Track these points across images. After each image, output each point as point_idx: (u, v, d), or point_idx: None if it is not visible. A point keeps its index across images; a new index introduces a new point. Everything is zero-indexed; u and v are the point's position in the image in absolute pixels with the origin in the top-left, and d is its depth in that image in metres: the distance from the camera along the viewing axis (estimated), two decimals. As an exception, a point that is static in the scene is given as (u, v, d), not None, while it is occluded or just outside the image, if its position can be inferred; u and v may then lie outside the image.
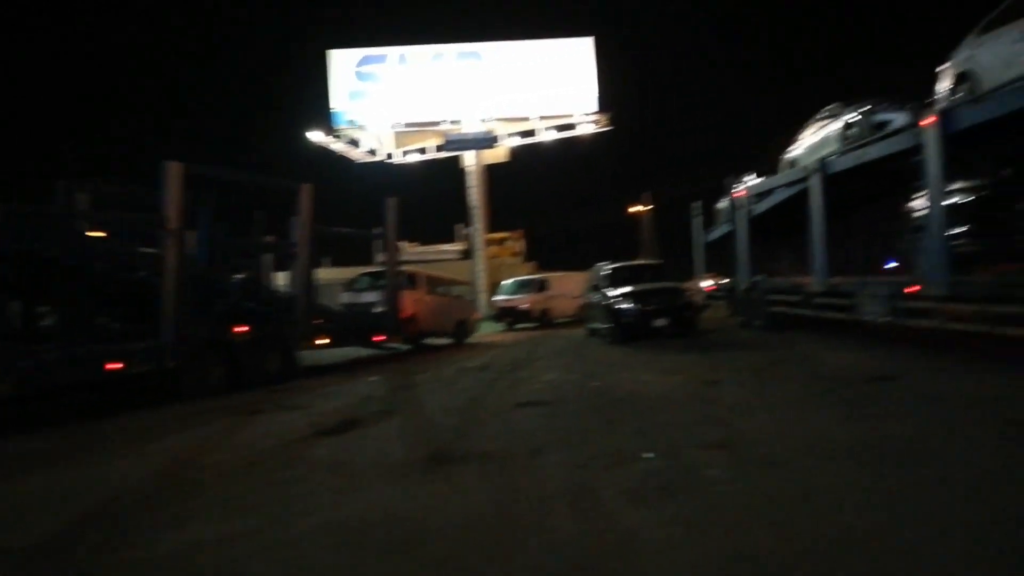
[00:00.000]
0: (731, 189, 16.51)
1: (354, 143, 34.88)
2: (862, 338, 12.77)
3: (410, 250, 36.97)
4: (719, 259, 19.01)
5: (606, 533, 4.05)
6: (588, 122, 34.08)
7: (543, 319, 23.86)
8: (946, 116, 8.87)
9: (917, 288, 9.73)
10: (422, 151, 34.84)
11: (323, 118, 34.07)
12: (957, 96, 9.27)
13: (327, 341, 13.67)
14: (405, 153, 35.01)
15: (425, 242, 39.39)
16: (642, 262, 22.66)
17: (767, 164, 16.54)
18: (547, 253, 44.56)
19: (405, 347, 17.76)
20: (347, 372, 13.90)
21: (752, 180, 16.45)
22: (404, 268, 17.84)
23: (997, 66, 8.51)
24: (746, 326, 16.40)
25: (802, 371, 9.71)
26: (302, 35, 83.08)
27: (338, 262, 32.59)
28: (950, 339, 10.42)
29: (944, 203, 8.95)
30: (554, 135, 34.60)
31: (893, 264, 11.91)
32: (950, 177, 9.07)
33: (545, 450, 6.14)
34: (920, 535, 3.65)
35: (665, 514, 4.27)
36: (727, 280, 17.74)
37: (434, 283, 18.78)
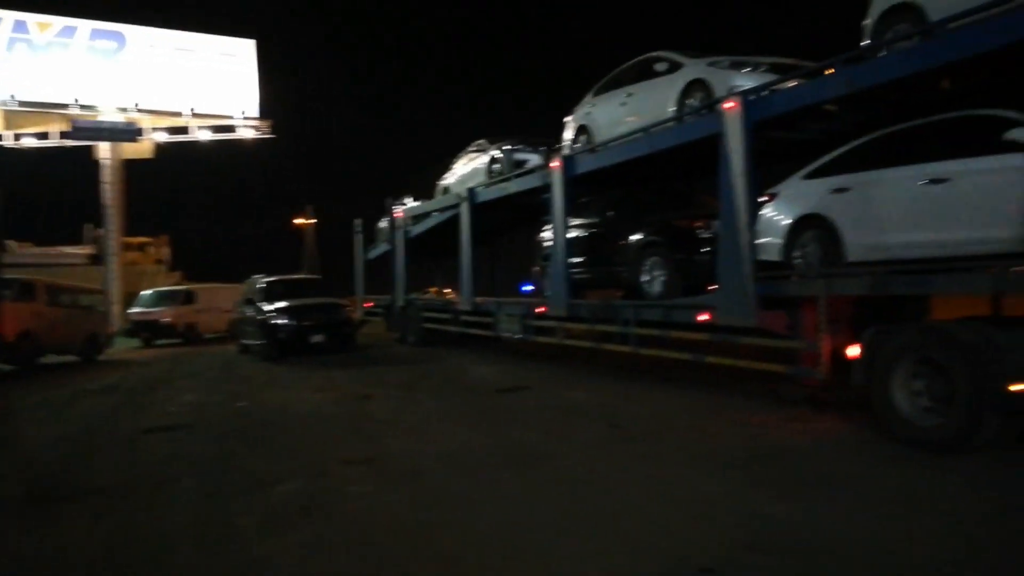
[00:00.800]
0: (391, 210, 17.02)
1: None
2: (502, 353, 14.11)
3: (21, 251, 30.92)
4: (380, 277, 19.43)
5: (235, 563, 3.80)
6: (248, 127, 32.24)
7: (189, 334, 21.79)
8: (568, 161, 10.33)
9: (544, 309, 11.09)
10: (43, 136, 29.47)
11: None
12: (577, 145, 10.86)
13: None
14: (18, 136, 29.24)
15: (43, 243, 33.30)
16: (300, 276, 22.12)
17: (425, 188, 17.45)
18: (197, 263, 40.85)
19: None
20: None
21: (411, 203, 17.19)
22: (18, 275, 14.84)
23: (607, 124, 10.18)
24: (402, 342, 16.99)
25: (448, 384, 10.35)
26: None
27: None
28: (570, 353, 12.08)
29: (566, 236, 10.37)
30: (209, 136, 31.98)
31: (530, 287, 13.36)
32: (571, 214, 10.54)
33: (174, 480, 5.56)
34: (544, 535, 4.11)
35: (302, 537, 4.16)
36: (385, 297, 18.20)
37: (56, 292, 15.86)
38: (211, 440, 7.12)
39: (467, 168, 14.83)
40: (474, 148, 14.79)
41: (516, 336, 12.28)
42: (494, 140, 13.96)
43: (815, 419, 6.92)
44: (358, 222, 20.02)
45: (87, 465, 6.27)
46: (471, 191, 13.33)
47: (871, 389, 5.97)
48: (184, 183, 58.66)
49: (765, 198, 7.43)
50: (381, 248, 18.73)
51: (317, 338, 15.10)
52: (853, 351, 6.29)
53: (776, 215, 7.28)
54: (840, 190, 6.57)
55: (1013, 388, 5.00)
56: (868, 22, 6.77)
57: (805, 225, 6.93)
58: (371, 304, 19.86)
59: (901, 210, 6.05)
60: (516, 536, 4.05)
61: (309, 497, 4.94)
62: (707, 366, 8.48)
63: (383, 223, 18.45)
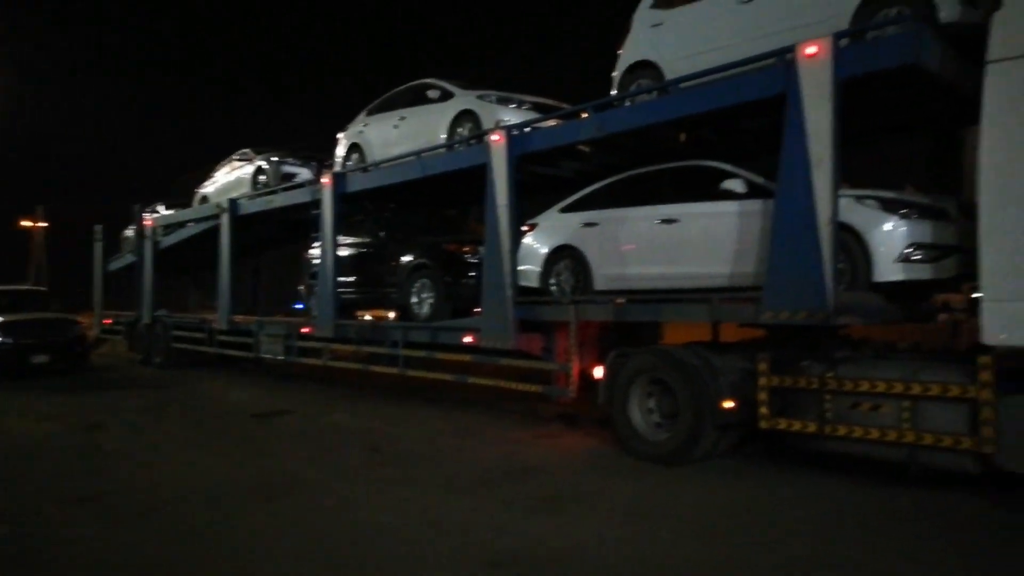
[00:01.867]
0: (140, 217, 15.38)
1: None
2: (262, 375, 13.31)
3: None
4: (122, 291, 17.39)
5: None
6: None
7: None
8: (339, 178, 10.12)
9: (310, 329, 10.66)
10: None
11: None
12: (349, 163, 10.68)
13: None
14: None
15: None
16: (19, 288, 19.03)
17: (181, 195, 16.01)
18: None
19: None
20: None
21: (163, 211, 15.70)
22: None
23: (380, 144, 10.16)
24: (147, 363, 15.34)
25: (196, 410, 9.52)
26: None
27: None
28: (337, 376, 11.72)
29: (335, 254, 10.11)
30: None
31: (300, 306, 12.75)
32: (342, 232, 10.31)
33: None
34: (286, 566, 3.88)
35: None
36: (129, 314, 16.31)
37: None
38: None
39: (230, 177, 13.88)
40: (239, 157, 13.90)
41: (279, 358, 11.67)
42: (260, 150, 13.24)
43: (566, 436, 7.39)
44: (98, 228, 17.81)
45: None
46: (233, 202, 12.49)
47: (612, 407, 6.52)
48: None
49: (527, 228, 7.87)
50: (126, 259, 16.82)
51: (41, 358, 13.12)
52: (598, 372, 6.83)
53: (536, 244, 7.74)
54: (590, 224, 7.17)
55: (725, 404, 5.75)
56: (616, 74, 7.52)
57: (560, 255, 7.45)
58: (111, 321, 17.72)
59: (639, 245, 6.75)
60: (255, 570, 3.80)
61: (15, 545, 4.23)
62: (470, 387, 8.70)
63: (129, 231, 16.61)
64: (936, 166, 6.76)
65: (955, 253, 5.33)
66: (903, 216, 5.32)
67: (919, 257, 5.29)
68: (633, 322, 7.04)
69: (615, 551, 4.05)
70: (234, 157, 14.10)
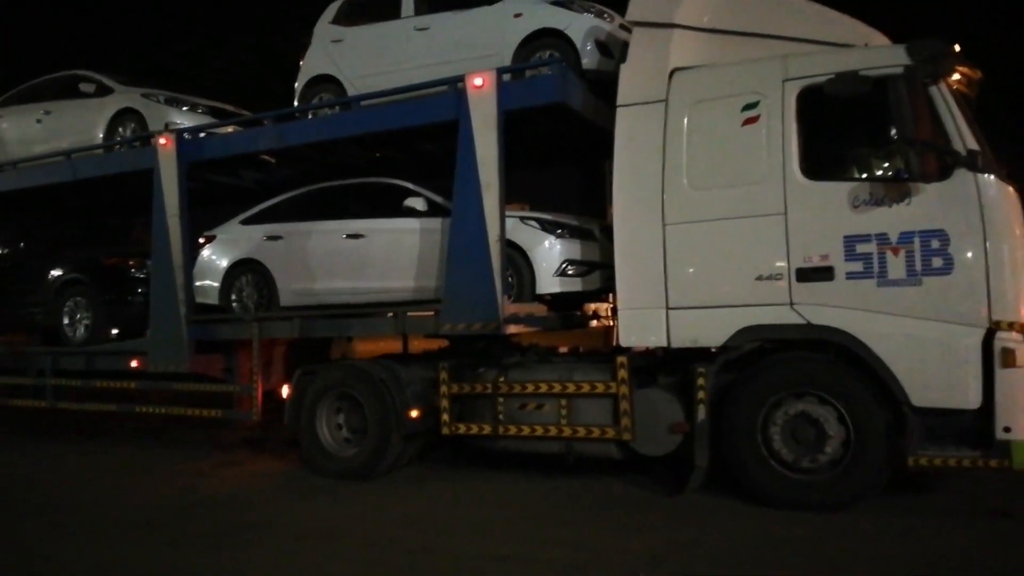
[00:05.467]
0: None
1: None
2: None
3: None
4: None
5: None
6: None
7: None
8: (-40, 178, 8.37)
9: (-81, 358, 8.63)
10: None
11: None
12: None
13: None
14: None
15: None
16: None
17: None
18: None
19: None
20: None
21: None
22: None
23: (18, 140, 8.66)
24: None
25: None
26: None
27: None
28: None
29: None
30: None
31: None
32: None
33: None
34: None
35: None
36: None
37: None
38: None
39: None
40: None
41: None
42: None
43: (251, 462, 7.01)
44: None
45: None
46: None
47: (300, 426, 6.33)
48: None
49: (204, 240, 7.31)
50: None
51: None
52: (285, 392, 6.59)
53: (214, 258, 7.22)
54: (273, 237, 6.89)
55: (412, 414, 5.93)
56: (298, 86, 7.36)
57: (242, 269, 7.04)
58: None
59: (326, 260, 6.67)
60: None
61: None
62: (139, 416, 7.81)
63: None
64: (585, 192, 7.74)
65: (600, 268, 6.15)
66: (559, 236, 6.00)
67: (572, 272, 6.00)
68: (324, 339, 6.93)
69: (297, 572, 3.93)
70: None
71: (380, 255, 6.45)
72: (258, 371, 6.71)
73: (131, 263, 7.97)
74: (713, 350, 5.18)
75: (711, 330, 5.07)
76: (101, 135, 7.96)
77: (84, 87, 8.24)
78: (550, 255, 5.97)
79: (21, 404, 8.37)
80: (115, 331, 7.80)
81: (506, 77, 5.81)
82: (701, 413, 5.01)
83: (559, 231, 6.05)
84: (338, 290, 6.63)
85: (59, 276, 8.05)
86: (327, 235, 6.69)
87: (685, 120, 5.19)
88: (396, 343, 7.64)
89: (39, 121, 8.54)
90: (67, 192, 8.25)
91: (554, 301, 6.21)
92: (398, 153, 7.22)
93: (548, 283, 5.96)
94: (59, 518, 5.19)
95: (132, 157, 7.49)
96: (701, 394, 5.01)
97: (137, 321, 7.54)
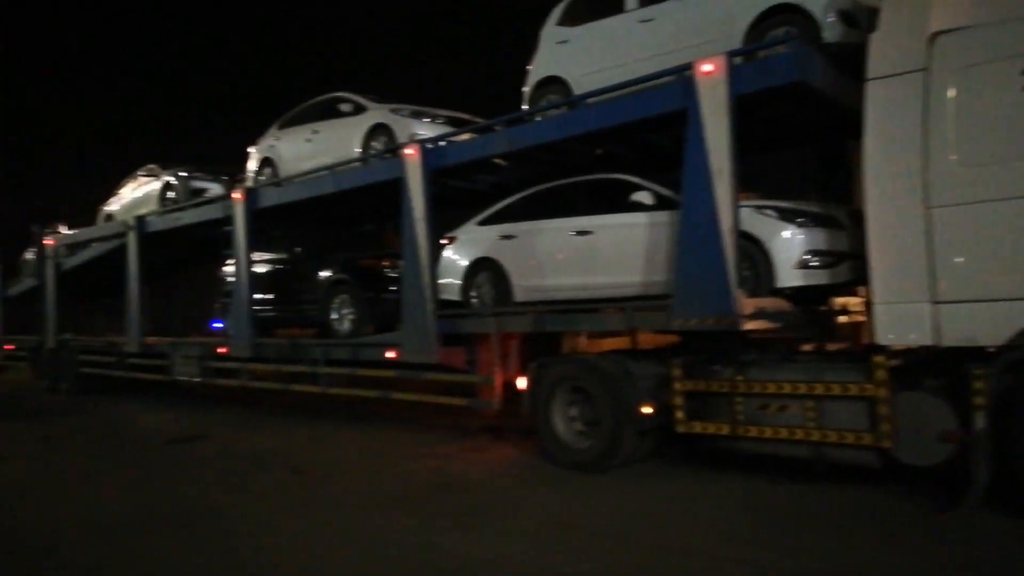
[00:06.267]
0: (40, 238, 14.56)
1: None
2: (177, 398, 12.80)
3: None
4: (25, 314, 16.40)
5: None
6: None
7: None
8: (252, 194, 9.85)
9: (226, 349, 10.33)
10: None
11: None
12: (261, 178, 10.42)
13: None
14: None
15: None
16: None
17: (85, 215, 15.23)
18: None
19: None
20: None
21: (65, 231, 14.89)
22: None
23: (292, 158, 9.97)
24: (53, 390, 14.53)
25: (107, 438, 9.10)
26: None
27: None
28: (256, 396, 11.41)
29: (250, 271, 9.84)
30: None
31: (219, 325, 12.30)
32: (256, 248, 10.06)
33: None
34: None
35: None
36: (33, 339, 15.42)
37: None
38: None
39: (137, 194, 13.30)
40: (144, 173, 13.33)
41: (194, 379, 11.25)
42: (168, 165, 12.74)
43: (492, 448, 7.43)
44: (-7, 250, 16.76)
45: None
46: (140, 219, 11.98)
47: (536, 417, 6.60)
48: None
49: (446, 241, 7.88)
50: (27, 284, 15.90)
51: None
52: (521, 383, 6.90)
53: (455, 257, 7.76)
54: (507, 237, 7.24)
55: (644, 410, 5.90)
56: (527, 89, 7.63)
57: (479, 268, 7.50)
58: (12, 347, 16.71)
59: (555, 257, 6.86)
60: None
61: None
62: (395, 403, 8.64)
63: (30, 254, 15.70)
64: (826, 176, 7.14)
65: (848, 259, 5.64)
66: (800, 225, 5.60)
67: (816, 263, 5.58)
68: (554, 332, 7.15)
69: (536, 562, 4.10)
70: (139, 173, 13.52)
71: (608, 250, 6.49)
72: (497, 363, 7.09)
73: (385, 263, 8.83)
74: (991, 349, 4.52)
75: (992, 327, 4.43)
76: (358, 149, 8.90)
77: (343, 107, 9.27)
78: (790, 245, 5.59)
79: (300, 389, 9.65)
80: (374, 325, 8.70)
81: (737, 60, 5.55)
82: (980, 421, 4.39)
83: (799, 219, 5.65)
84: (567, 286, 6.80)
85: (328, 277, 9.17)
86: (556, 233, 6.88)
87: (952, 89, 4.59)
88: (626, 338, 7.66)
89: (308, 140, 9.76)
90: (331, 202, 9.33)
91: (795, 295, 5.81)
92: (623, 148, 7.21)
93: (788, 276, 5.59)
94: (337, 490, 5.92)
95: (384, 168, 8.28)
96: (980, 399, 4.38)
97: (392, 315, 8.36)
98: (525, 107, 7.61)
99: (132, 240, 11.94)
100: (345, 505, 5.42)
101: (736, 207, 5.37)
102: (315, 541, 4.61)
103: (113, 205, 14.12)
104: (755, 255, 5.61)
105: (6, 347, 16.89)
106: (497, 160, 7.68)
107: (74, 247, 14.36)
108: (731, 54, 5.49)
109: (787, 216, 5.66)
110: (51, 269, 14.30)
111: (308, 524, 4.97)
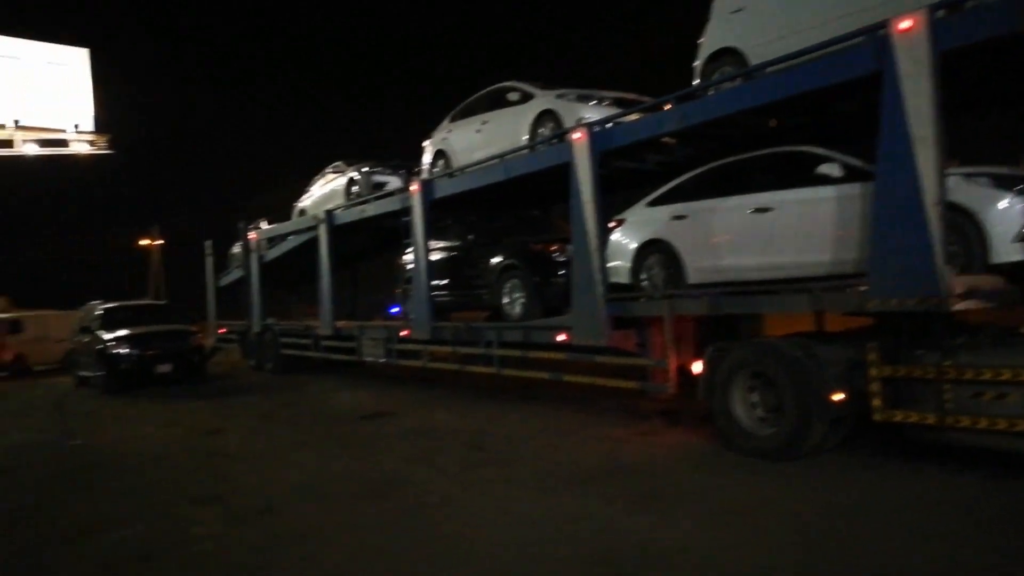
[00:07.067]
0: (245, 233, 16.29)
1: None
2: (366, 378, 13.84)
3: None
4: (234, 301, 18.48)
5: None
6: (82, 141, 29.68)
7: (17, 367, 19.69)
8: (427, 185, 10.37)
9: (407, 332, 11.01)
10: None
11: None
12: (435, 169, 10.92)
13: None
14: None
15: None
16: (143, 302, 20.54)
17: (280, 211, 16.85)
18: (25, 287, 37.00)
19: None
20: None
21: (265, 226, 16.54)
22: None
23: (464, 149, 10.34)
24: (259, 369, 16.25)
25: (307, 413, 10.02)
26: None
27: None
28: (435, 376, 12.06)
29: (427, 259, 10.39)
30: (37, 150, 29.11)
31: (397, 310, 13.15)
32: (432, 237, 10.59)
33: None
34: (397, 564, 4.07)
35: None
36: (241, 323, 17.34)
37: None
38: (38, 484, 6.51)
39: (325, 190, 14.50)
40: (332, 170, 14.49)
41: (380, 360, 12.10)
42: (352, 162, 13.76)
43: (666, 433, 7.33)
44: (208, 244, 18.99)
45: None
46: (329, 213, 13.03)
47: (713, 403, 6.41)
48: (9, 202, 53.10)
49: (614, 223, 7.84)
50: (235, 274, 17.86)
51: (163, 368, 14.12)
52: (697, 367, 6.73)
53: (624, 240, 7.69)
54: (679, 217, 7.06)
55: (834, 397, 5.55)
56: (698, 63, 7.35)
57: (650, 249, 7.38)
58: (224, 330, 18.86)
59: (732, 236, 6.59)
60: (369, 566, 4.00)
61: (149, 543, 4.63)
62: (566, 385, 8.76)
63: (237, 248, 17.60)
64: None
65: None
66: (1019, 193, 4.97)
67: (1040, 235, 4.93)
68: (731, 315, 6.89)
69: (718, 551, 4.00)
70: (328, 170, 14.70)
71: (790, 228, 6.13)
72: (671, 346, 6.97)
73: (553, 248, 8.95)
74: None
75: None
76: (526, 137, 9.07)
77: (511, 96, 9.48)
78: (1007, 217, 5.00)
79: (474, 370, 10.08)
80: (543, 308, 8.87)
81: (940, 14, 4.99)
82: None
83: (1018, 187, 5.02)
84: (746, 266, 6.52)
85: (499, 262, 9.46)
86: (732, 211, 6.60)
87: None
88: (809, 321, 7.22)
89: (478, 131, 10.09)
90: (500, 189, 9.58)
91: (1014, 272, 5.18)
92: (803, 118, 6.77)
93: (1005, 250, 5.00)
94: (515, 468, 6.12)
95: (552, 153, 8.37)
96: None
97: (562, 299, 8.47)
98: (696, 82, 7.35)
99: (323, 232, 13.02)
100: (524, 483, 5.59)
101: (942, 177, 4.87)
102: (500, 516, 4.80)
103: (305, 201, 15.47)
104: (966, 228, 5.07)
105: (219, 330, 19.10)
106: (666, 139, 7.50)
107: (273, 240, 15.91)
108: (933, 7, 4.95)
109: (1003, 184, 5.06)
110: (255, 261, 15.97)
111: (491, 500, 5.19)
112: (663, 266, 7.27)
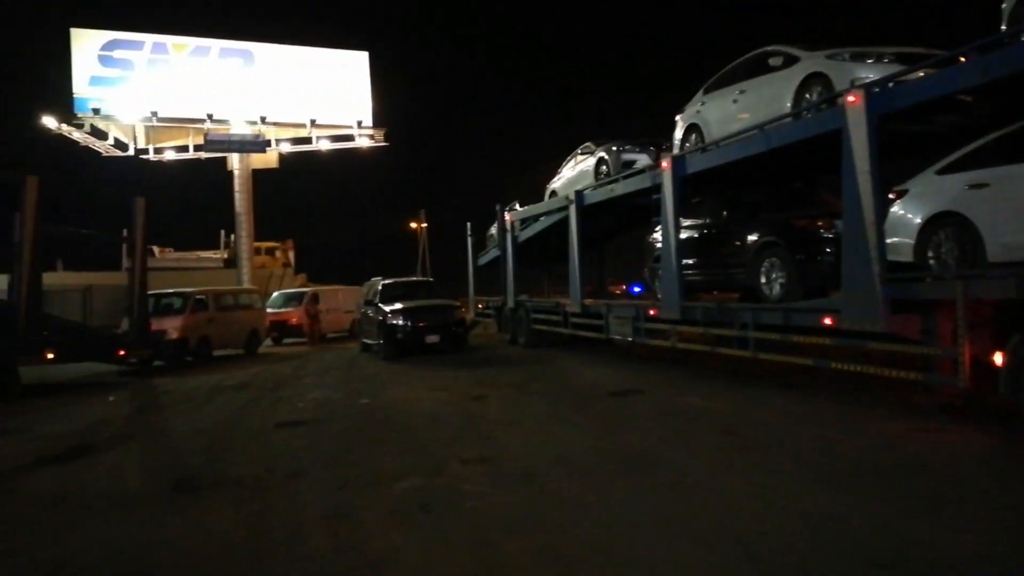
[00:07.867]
0: (501, 215, 17.31)
1: (99, 134, 31.02)
2: (612, 355, 14.02)
3: (163, 256, 33.67)
4: (491, 279, 19.84)
5: (362, 555, 4.02)
6: (364, 135, 33.68)
7: (314, 334, 23.07)
8: (678, 161, 10.12)
9: (655, 311, 10.92)
10: (183, 149, 31.99)
11: (64, 104, 29.89)
12: (687, 145, 10.62)
13: (52, 356, 12.05)
14: (159, 150, 31.85)
15: (182, 248, 36.07)
16: (415, 279, 22.89)
17: (534, 192, 17.63)
18: (319, 265, 43.13)
19: (158, 363, 16.18)
20: (81, 391, 12.33)
21: (519, 208, 17.41)
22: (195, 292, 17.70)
23: (718, 122, 9.92)
24: (512, 343, 17.23)
25: (558, 386, 10.41)
26: (45, 6, 71.68)
27: (74, 266, 28.83)
28: (683, 357, 11.85)
29: (678, 237, 10.18)
30: (328, 145, 33.68)
31: (639, 289, 13.19)
32: (683, 214, 10.35)
33: (304, 473, 5.95)
34: (658, 542, 4.10)
35: (422, 533, 4.36)
36: (496, 299, 18.54)
37: (221, 299, 18.61)
38: (336, 435, 7.54)
39: (575, 171, 14.85)
40: (581, 150, 14.79)
41: (627, 339, 12.17)
42: (601, 142, 13.90)
43: (952, 431, 6.46)
44: (469, 225, 20.54)
45: (226, 457, 6.79)
46: (579, 193, 13.34)
47: (1018, 400, 5.51)
48: (306, 191, 62.10)
49: (894, 195, 7.02)
50: (492, 254, 19.09)
51: (432, 339, 15.58)
52: (998, 359, 5.82)
53: (907, 213, 6.86)
54: (978, 185, 6.11)
55: None
56: (1006, 5, 6.27)
57: (939, 223, 6.50)
58: (483, 305, 20.30)
59: (1050, 207, 5.55)
60: (630, 541, 4.06)
61: (428, 494, 5.14)
62: (831, 372, 8.09)
63: (493, 229, 18.79)
64: None
65: None
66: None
67: None
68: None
69: (1013, 566, 3.45)
70: (577, 151, 15.03)
71: None
72: (964, 334, 6.10)
73: (820, 224, 8.27)
74: None
75: None
76: (789, 104, 8.43)
77: (772, 61, 8.84)
78: None
79: (727, 352, 9.69)
80: (803, 289, 8.25)
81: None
82: None
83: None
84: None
85: (756, 240, 8.98)
86: (1052, 177, 5.56)
87: None
88: None
89: (735, 101, 9.60)
90: (758, 163, 9.04)
91: None
92: None
93: None
94: (771, 456, 5.81)
95: (820, 120, 7.67)
96: None
97: (826, 279, 7.82)
98: (1004, 28, 6.28)
99: (573, 212, 13.38)
100: (788, 474, 5.26)
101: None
102: (764, 506, 4.58)
103: (555, 182, 16.00)
104: None
105: (478, 305, 20.63)
106: (962, 96, 6.52)
107: (526, 221, 16.70)
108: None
109: None
110: (509, 241, 16.92)
111: (752, 488, 4.96)
112: (956, 242, 6.35)
